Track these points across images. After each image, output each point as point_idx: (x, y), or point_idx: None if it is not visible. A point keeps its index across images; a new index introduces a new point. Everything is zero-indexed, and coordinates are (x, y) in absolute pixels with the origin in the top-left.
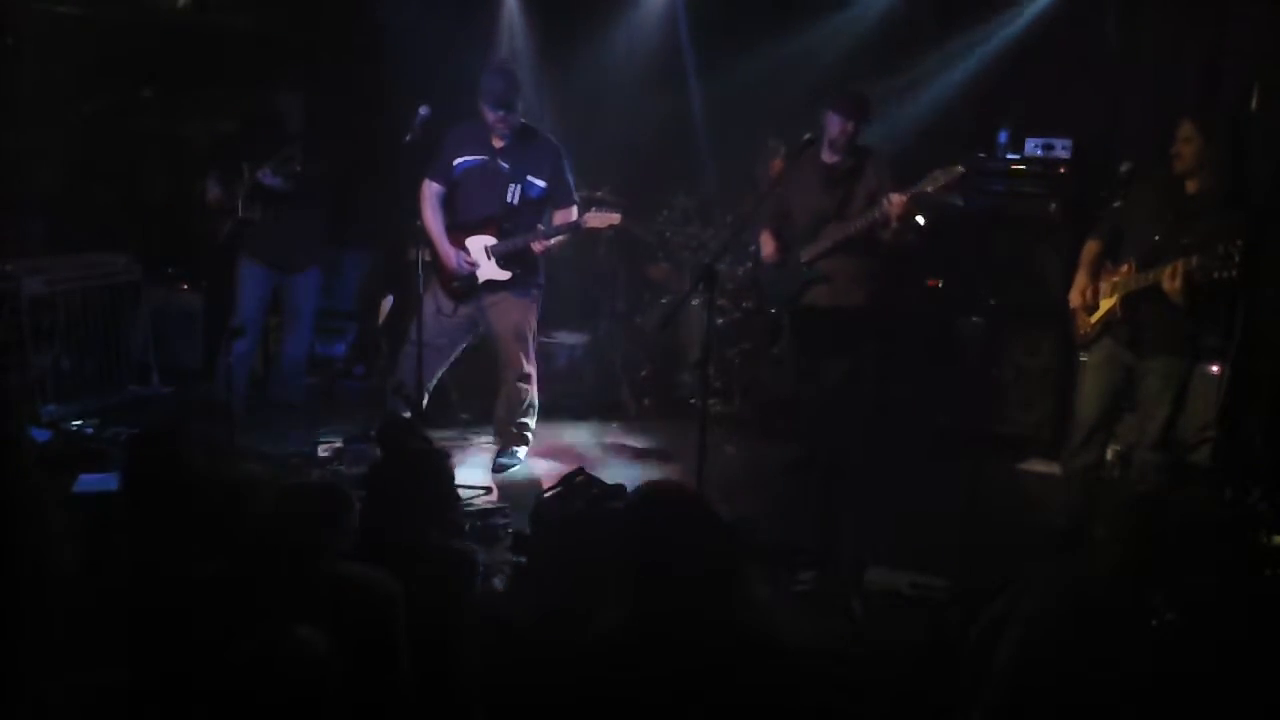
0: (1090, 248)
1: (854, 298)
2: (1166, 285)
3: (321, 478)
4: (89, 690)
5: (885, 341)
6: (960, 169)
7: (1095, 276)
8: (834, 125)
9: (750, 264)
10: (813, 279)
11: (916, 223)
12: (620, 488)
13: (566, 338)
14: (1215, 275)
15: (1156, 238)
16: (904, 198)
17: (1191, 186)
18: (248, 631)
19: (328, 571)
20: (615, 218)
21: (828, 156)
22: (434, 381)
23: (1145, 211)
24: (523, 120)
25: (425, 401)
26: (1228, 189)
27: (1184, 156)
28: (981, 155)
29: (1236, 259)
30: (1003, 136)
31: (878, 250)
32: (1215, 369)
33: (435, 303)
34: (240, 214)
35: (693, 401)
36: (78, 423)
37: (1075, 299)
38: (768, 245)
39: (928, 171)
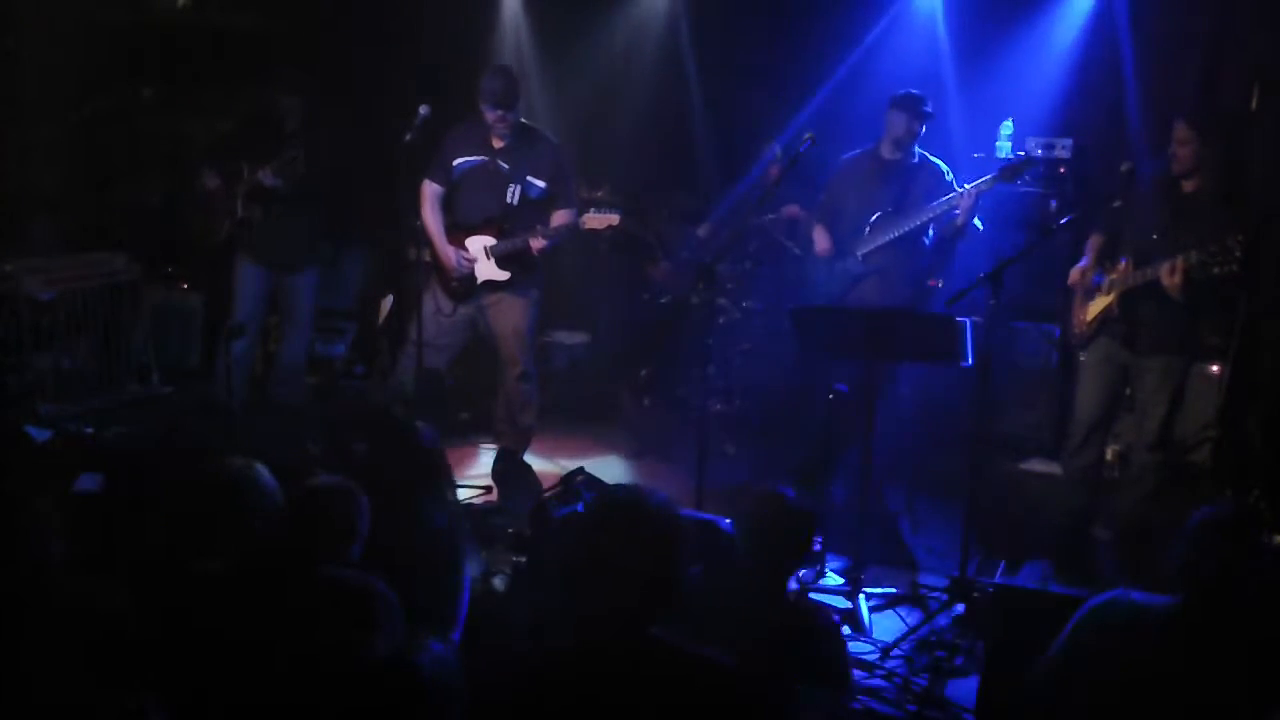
0: (1096, 239)
1: (902, 292)
2: (1166, 280)
3: (332, 480)
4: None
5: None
6: (1028, 158)
7: (1099, 264)
8: (899, 124)
9: (748, 263)
10: (865, 274)
11: (974, 224)
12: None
13: (566, 338)
14: (1216, 271)
15: (1154, 237)
16: (972, 198)
17: (1189, 186)
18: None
19: (327, 576)
20: (614, 219)
21: (889, 153)
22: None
23: (1143, 211)
24: (523, 120)
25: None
26: (1225, 189)
27: (1181, 158)
28: (981, 155)
29: (1238, 254)
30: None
31: (926, 247)
32: (1215, 369)
33: (435, 303)
34: (239, 214)
35: (693, 402)
36: (77, 423)
37: (1074, 276)
38: (821, 240)
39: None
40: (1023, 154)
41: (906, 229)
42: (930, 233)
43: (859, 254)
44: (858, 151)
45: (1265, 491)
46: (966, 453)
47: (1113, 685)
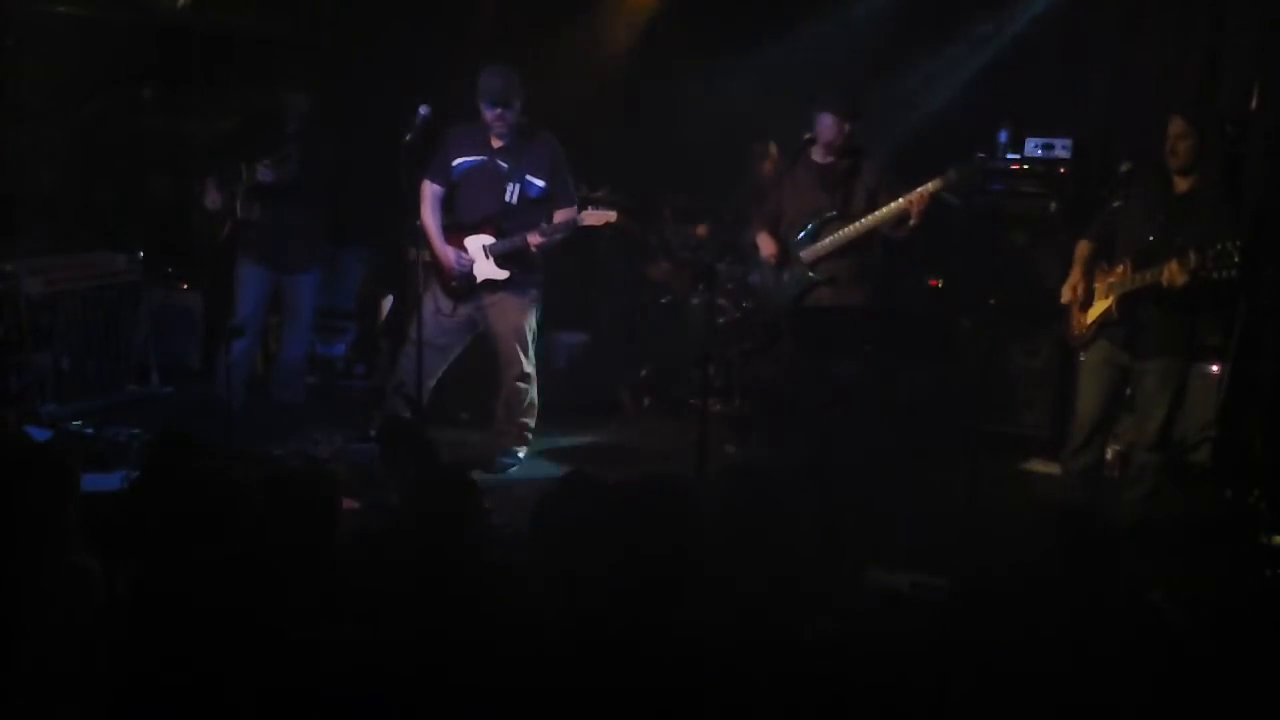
0: (1083, 246)
1: (855, 296)
2: (1166, 284)
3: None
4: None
5: (888, 339)
6: (978, 160)
7: (1089, 275)
8: (827, 126)
9: (740, 266)
10: (816, 281)
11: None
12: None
13: (566, 338)
14: (1215, 276)
15: (1151, 238)
16: (925, 194)
17: (1184, 185)
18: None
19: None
20: (611, 215)
21: (821, 157)
22: (434, 381)
23: (1139, 211)
24: (522, 119)
25: (425, 401)
26: (1221, 187)
27: (1179, 153)
28: (981, 155)
29: (1236, 259)
30: (1003, 136)
31: (876, 247)
32: (1215, 369)
33: (434, 302)
34: (239, 214)
35: (693, 401)
36: (78, 423)
37: (1067, 295)
38: (768, 246)
39: (946, 168)
40: (1018, 156)
41: (852, 235)
42: (882, 234)
43: (805, 260)
44: (792, 157)
45: (1265, 491)
46: (966, 453)
47: None
